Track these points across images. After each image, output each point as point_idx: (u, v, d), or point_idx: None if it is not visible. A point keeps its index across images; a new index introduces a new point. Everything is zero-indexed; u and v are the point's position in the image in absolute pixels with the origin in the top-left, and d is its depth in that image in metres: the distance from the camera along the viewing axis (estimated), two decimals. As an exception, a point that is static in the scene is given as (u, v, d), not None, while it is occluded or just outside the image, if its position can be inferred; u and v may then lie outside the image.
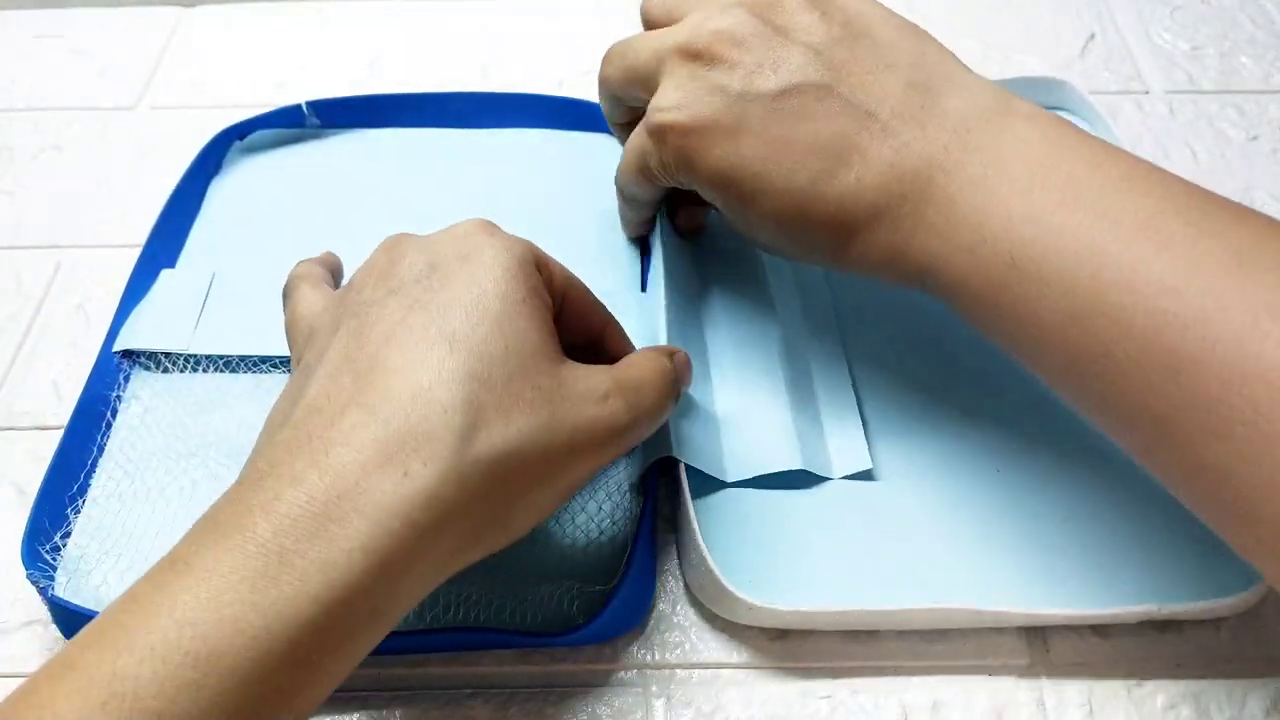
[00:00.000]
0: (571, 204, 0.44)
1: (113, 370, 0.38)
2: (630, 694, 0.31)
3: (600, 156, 0.45)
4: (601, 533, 0.33)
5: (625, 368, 0.30)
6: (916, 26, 0.33)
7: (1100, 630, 0.32)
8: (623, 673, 0.31)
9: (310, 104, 0.46)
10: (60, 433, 0.35)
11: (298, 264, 0.35)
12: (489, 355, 0.26)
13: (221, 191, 0.45)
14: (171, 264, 0.42)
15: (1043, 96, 0.47)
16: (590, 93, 0.47)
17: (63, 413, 0.38)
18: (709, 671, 0.31)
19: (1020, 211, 0.27)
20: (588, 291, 0.32)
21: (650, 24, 0.36)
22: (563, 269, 0.31)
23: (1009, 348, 0.29)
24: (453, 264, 0.28)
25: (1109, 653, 0.31)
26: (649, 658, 0.32)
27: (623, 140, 0.38)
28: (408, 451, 0.24)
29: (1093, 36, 0.53)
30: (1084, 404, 0.28)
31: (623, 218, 0.42)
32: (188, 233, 0.43)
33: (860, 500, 0.34)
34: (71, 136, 0.49)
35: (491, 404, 0.25)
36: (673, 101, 0.32)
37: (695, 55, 0.32)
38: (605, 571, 0.32)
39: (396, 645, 0.31)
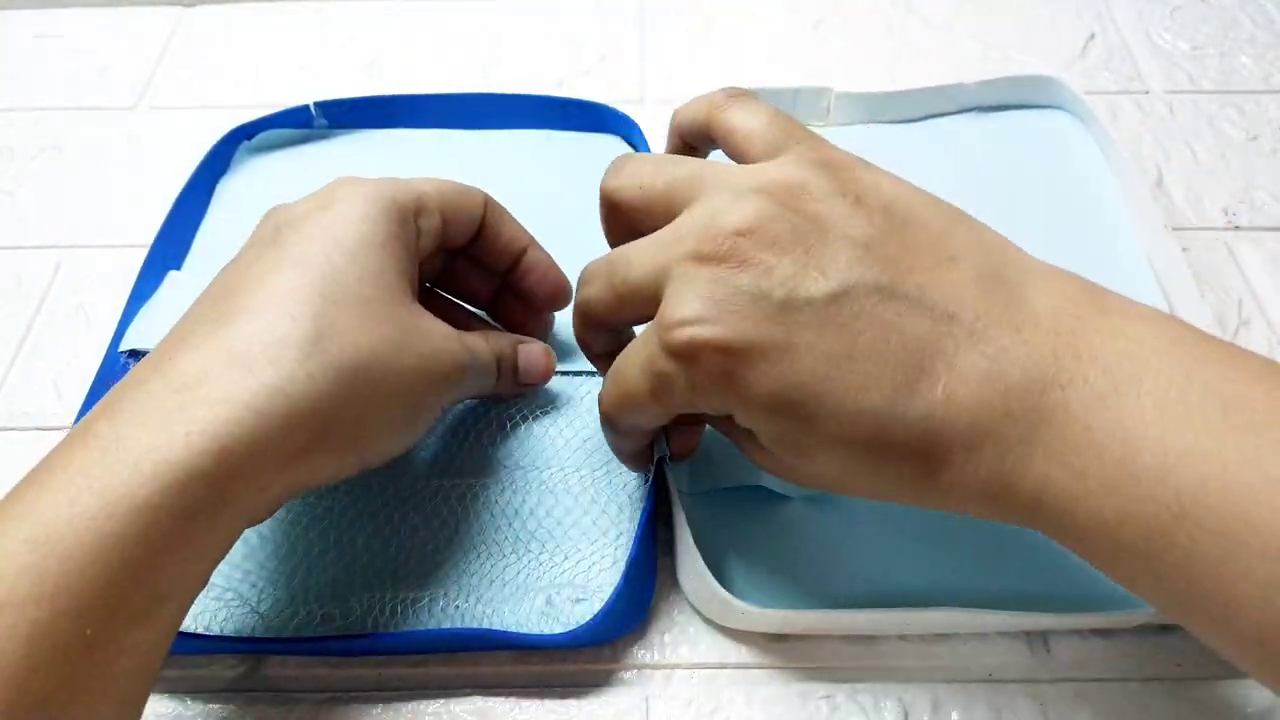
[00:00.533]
0: (572, 204, 0.44)
1: (120, 369, 0.38)
2: (630, 694, 0.31)
3: (600, 156, 0.45)
4: (601, 534, 0.33)
5: (469, 334, 0.32)
6: (953, 206, 0.28)
7: (1101, 631, 0.32)
8: (623, 673, 0.31)
9: (318, 104, 0.47)
10: (63, 434, 0.35)
11: None
12: (344, 282, 0.28)
13: (229, 191, 0.45)
14: (178, 263, 0.42)
15: (1036, 95, 0.47)
16: (590, 93, 0.48)
17: (63, 413, 0.38)
18: (709, 671, 0.31)
19: (1178, 443, 0.22)
20: (506, 214, 0.34)
21: (617, 209, 0.30)
22: (465, 201, 0.33)
23: (1176, 614, 0.24)
24: (311, 214, 0.29)
25: (1109, 653, 0.31)
26: (649, 658, 0.32)
27: (601, 371, 0.31)
28: (254, 353, 0.26)
29: (1093, 36, 0.53)
30: (1270, 676, 0.23)
31: (619, 451, 0.33)
32: (195, 231, 0.43)
33: (856, 505, 0.34)
34: (71, 136, 0.49)
35: (344, 319, 0.27)
36: (696, 313, 0.25)
37: (717, 259, 0.25)
38: (605, 572, 0.32)
39: (397, 645, 0.31)
